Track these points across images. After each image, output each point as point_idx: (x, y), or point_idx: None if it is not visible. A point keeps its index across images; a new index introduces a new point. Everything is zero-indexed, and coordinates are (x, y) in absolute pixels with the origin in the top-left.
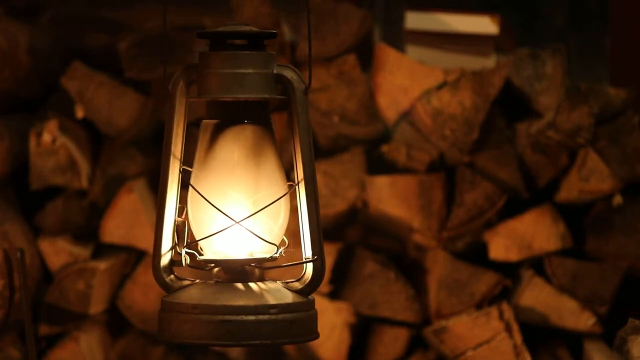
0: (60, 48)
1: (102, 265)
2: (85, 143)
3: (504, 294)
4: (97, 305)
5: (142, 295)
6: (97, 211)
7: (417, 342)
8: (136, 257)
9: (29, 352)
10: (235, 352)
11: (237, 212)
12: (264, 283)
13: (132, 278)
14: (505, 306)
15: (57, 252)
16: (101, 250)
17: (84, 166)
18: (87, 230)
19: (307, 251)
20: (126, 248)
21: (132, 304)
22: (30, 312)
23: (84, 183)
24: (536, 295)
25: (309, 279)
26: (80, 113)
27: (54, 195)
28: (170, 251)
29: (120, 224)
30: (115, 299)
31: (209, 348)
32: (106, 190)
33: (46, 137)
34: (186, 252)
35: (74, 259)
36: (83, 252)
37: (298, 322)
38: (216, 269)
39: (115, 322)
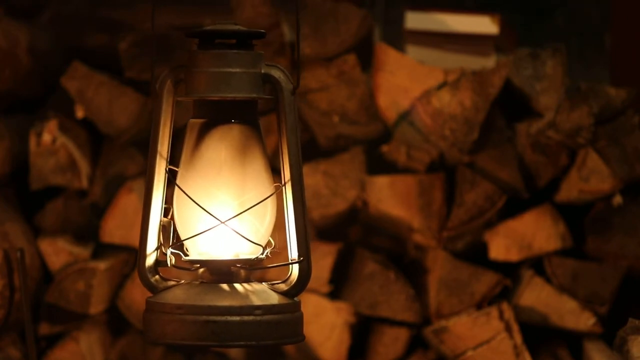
0: (61, 48)
1: (102, 265)
2: (85, 143)
3: (504, 294)
4: (97, 305)
5: (142, 295)
6: (97, 211)
7: (417, 342)
8: (136, 257)
9: (29, 352)
10: (234, 352)
11: (223, 212)
12: (249, 284)
13: (132, 278)
14: (505, 306)
15: (57, 252)
16: (101, 250)
17: (84, 166)
18: (87, 230)
19: (293, 253)
20: (126, 248)
21: (132, 304)
22: (30, 312)
23: (84, 183)
24: (536, 295)
25: (294, 281)
26: (80, 113)
27: (54, 195)
28: (156, 251)
29: (120, 224)
30: (115, 299)
31: (209, 348)
32: (106, 190)
33: (46, 137)
34: (171, 253)
35: (74, 259)
36: (83, 252)
37: (283, 323)
38: (201, 270)
39: (115, 322)
